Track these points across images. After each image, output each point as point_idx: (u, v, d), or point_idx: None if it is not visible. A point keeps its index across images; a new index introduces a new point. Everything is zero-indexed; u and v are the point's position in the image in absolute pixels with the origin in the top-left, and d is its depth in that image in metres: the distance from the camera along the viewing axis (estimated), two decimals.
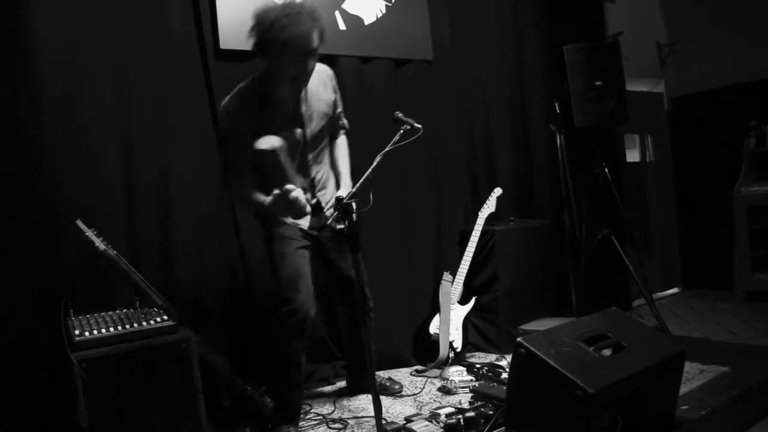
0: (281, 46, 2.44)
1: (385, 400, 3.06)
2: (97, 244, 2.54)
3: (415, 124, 2.67)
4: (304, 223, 2.83)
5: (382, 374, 3.40)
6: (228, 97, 2.66)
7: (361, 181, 2.41)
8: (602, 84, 4.14)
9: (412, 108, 3.45)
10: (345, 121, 3.05)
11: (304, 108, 2.75)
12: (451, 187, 4.11)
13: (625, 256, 4.29)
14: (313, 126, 2.78)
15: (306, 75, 2.61)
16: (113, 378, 2.17)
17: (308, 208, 2.43)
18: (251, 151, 2.35)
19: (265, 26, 2.44)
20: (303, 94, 2.73)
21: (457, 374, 3.22)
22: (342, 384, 3.43)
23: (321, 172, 2.89)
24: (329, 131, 2.92)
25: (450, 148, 4.10)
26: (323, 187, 2.90)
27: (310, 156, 2.82)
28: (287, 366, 2.75)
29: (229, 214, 3.27)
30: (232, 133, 2.63)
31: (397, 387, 3.23)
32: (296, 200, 2.35)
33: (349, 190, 2.46)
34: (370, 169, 2.47)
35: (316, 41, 2.50)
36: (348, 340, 3.25)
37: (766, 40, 5.12)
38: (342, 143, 3.01)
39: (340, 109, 2.99)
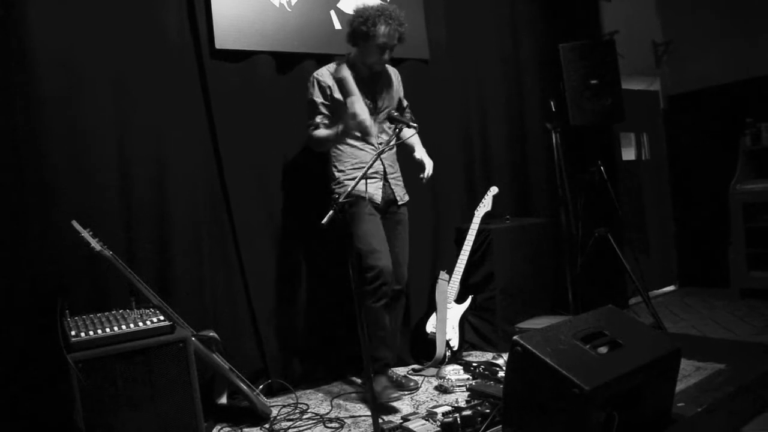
0: (368, 37, 3.00)
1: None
2: (92, 244, 2.54)
3: (411, 123, 2.68)
4: (377, 196, 3.14)
5: (399, 371, 3.44)
6: (321, 68, 3.17)
7: (357, 180, 2.42)
8: (598, 82, 4.15)
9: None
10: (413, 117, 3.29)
11: (376, 88, 3.19)
12: (447, 186, 4.11)
13: (622, 254, 4.29)
14: (381, 117, 3.19)
15: (381, 64, 3.13)
16: (110, 378, 2.17)
17: (370, 123, 2.89)
18: (330, 104, 3.07)
19: (360, 20, 3.02)
20: (374, 83, 3.20)
21: (454, 373, 3.22)
22: (340, 386, 3.44)
23: (392, 159, 3.24)
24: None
25: (446, 146, 4.09)
26: (397, 176, 3.28)
27: (376, 127, 3.13)
28: (374, 327, 3.02)
29: (226, 212, 3.27)
30: (320, 88, 3.10)
31: (412, 384, 3.24)
32: (357, 113, 2.84)
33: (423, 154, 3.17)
34: (366, 168, 2.48)
35: (395, 40, 3.06)
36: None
37: (761, 38, 5.14)
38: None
39: (406, 103, 3.41)
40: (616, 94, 4.21)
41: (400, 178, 3.31)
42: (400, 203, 3.25)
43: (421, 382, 3.32)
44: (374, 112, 3.14)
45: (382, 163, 3.12)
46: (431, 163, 3.21)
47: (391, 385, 3.07)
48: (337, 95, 3.07)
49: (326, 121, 3.10)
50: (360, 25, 3.01)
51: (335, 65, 3.14)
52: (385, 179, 3.19)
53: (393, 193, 3.21)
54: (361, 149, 3.12)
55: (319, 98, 3.10)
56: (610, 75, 4.20)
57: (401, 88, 3.40)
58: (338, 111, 3.07)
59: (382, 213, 3.20)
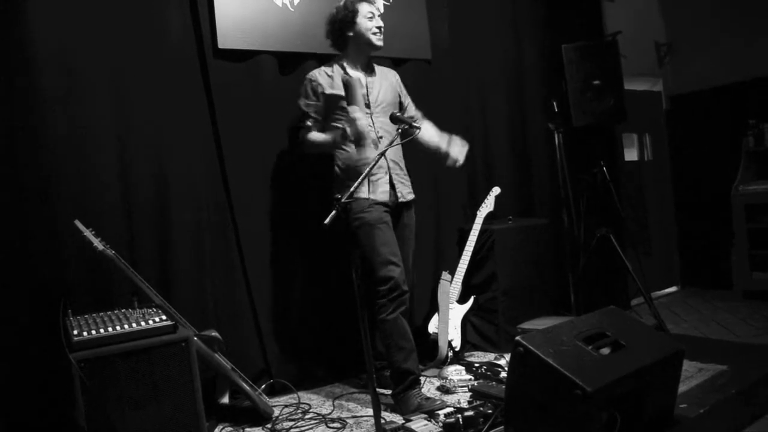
0: (354, 18, 3.06)
1: (383, 400, 3.05)
2: (95, 244, 2.54)
3: (413, 124, 2.68)
4: (383, 197, 3.07)
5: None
6: (313, 71, 3.17)
7: (359, 180, 2.42)
8: (600, 83, 4.14)
9: None
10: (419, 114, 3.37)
11: (369, 86, 3.14)
12: (449, 187, 4.11)
13: (624, 255, 4.29)
14: (378, 111, 3.13)
15: (378, 36, 3.11)
16: (112, 378, 2.17)
17: (370, 134, 2.91)
18: (323, 102, 3.08)
19: (339, 10, 3.09)
20: (370, 77, 3.18)
21: (456, 373, 3.22)
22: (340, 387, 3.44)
23: (395, 155, 3.18)
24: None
25: None
26: (403, 174, 3.23)
27: (383, 140, 3.07)
28: (398, 339, 2.93)
29: (228, 212, 3.27)
30: (312, 89, 3.10)
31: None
32: (357, 121, 2.83)
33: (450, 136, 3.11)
34: (368, 169, 2.48)
35: (378, 8, 3.11)
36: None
37: (764, 38, 5.13)
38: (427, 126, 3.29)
39: (408, 101, 3.40)
40: (619, 94, 4.21)
41: (405, 176, 3.26)
42: (401, 201, 3.17)
43: (423, 383, 3.31)
44: (369, 105, 3.11)
45: (386, 159, 3.08)
46: (461, 144, 3.14)
47: (426, 401, 2.86)
48: (329, 91, 3.07)
49: (318, 125, 3.12)
50: (341, 11, 3.08)
51: (325, 68, 3.16)
52: (389, 176, 3.13)
53: (395, 190, 3.14)
54: (362, 148, 3.06)
55: (311, 100, 3.11)
56: (613, 75, 4.20)
57: (402, 88, 3.38)
58: (330, 107, 3.08)
59: (393, 216, 3.14)
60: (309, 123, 3.12)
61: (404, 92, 3.40)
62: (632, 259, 4.42)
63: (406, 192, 3.22)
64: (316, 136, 3.09)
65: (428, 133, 3.24)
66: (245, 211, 3.30)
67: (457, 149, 3.13)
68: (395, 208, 3.16)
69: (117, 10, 2.92)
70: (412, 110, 3.39)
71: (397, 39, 3.74)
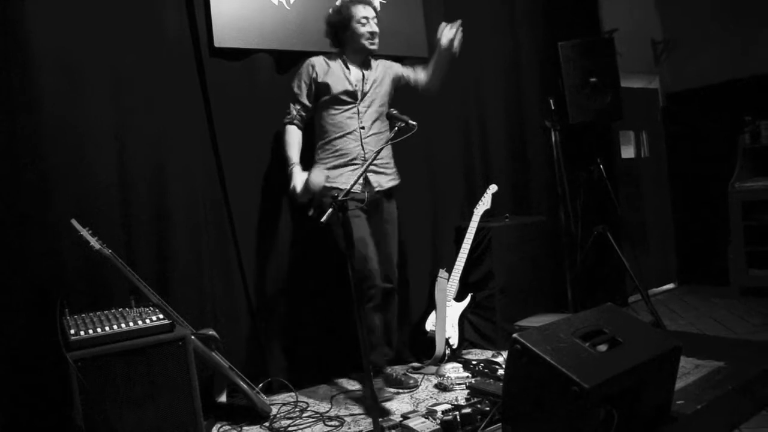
0: (348, 21, 3.13)
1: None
2: (92, 243, 2.54)
3: (410, 122, 2.69)
4: (358, 192, 3.12)
5: (399, 369, 3.42)
6: (317, 56, 3.23)
7: (356, 178, 2.42)
8: (597, 80, 4.14)
9: (407, 105, 3.45)
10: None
11: (362, 86, 3.20)
12: (446, 184, 4.11)
13: (621, 252, 4.30)
14: (366, 103, 3.20)
15: (371, 41, 3.17)
16: (109, 377, 2.17)
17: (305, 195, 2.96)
18: (314, 89, 3.15)
19: (332, 14, 3.18)
20: (365, 75, 3.23)
21: (454, 371, 3.22)
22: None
23: (377, 148, 3.06)
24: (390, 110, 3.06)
25: (445, 144, 4.10)
26: (383, 163, 3.24)
27: (365, 131, 3.17)
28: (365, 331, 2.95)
29: (225, 211, 3.26)
30: (306, 74, 3.16)
31: (411, 382, 3.21)
32: (313, 191, 2.89)
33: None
34: (365, 166, 2.49)
35: (372, 12, 3.18)
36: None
37: (760, 35, 5.14)
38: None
39: (406, 70, 3.43)
40: (615, 92, 4.21)
41: (386, 165, 3.27)
42: (378, 189, 3.19)
43: (421, 380, 3.32)
44: (357, 96, 3.17)
45: (363, 149, 3.12)
46: (447, 27, 3.11)
47: (385, 387, 3.01)
48: (321, 78, 3.13)
49: (303, 113, 3.18)
50: (335, 15, 3.17)
51: (326, 58, 3.22)
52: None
53: (369, 182, 3.16)
54: (342, 137, 3.13)
55: (303, 84, 3.16)
56: (610, 73, 4.20)
57: (402, 69, 3.42)
58: (319, 95, 3.15)
59: (372, 210, 3.18)
60: (294, 109, 3.17)
61: (406, 70, 3.43)
62: (629, 256, 4.43)
63: (384, 181, 3.24)
64: (289, 137, 3.15)
65: (424, 72, 3.36)
66: (242, 209, 3.30)
67: (445, 37, 3.08)
68: (371, 202, 3.18)
69: (114, 9, 2.91)
70: (416, 74, 3.43)
71: (394, 37, 3.74)
